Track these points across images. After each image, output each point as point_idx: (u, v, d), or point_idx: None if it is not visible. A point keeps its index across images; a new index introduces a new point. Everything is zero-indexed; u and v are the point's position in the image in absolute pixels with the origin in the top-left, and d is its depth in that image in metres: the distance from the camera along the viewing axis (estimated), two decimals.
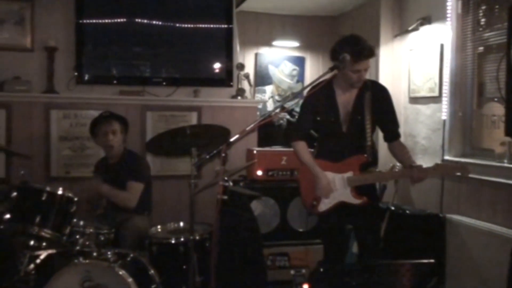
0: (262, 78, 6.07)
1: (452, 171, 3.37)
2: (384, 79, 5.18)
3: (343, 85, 3.45)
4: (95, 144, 4.51)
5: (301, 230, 4.71)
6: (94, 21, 4.77)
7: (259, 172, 4.72)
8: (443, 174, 3.37)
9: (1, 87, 4.56)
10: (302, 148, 3.59)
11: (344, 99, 3.48)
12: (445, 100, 4.51)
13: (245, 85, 5.20)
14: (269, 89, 6.10)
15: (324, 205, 3.49)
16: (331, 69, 3.21)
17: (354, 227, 3.68)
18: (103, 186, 3.90)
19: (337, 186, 3.46)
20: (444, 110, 4.52)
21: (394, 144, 3.58)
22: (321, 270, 2.09)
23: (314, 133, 3.75)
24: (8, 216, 3.21)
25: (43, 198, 3.23)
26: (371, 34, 5.31)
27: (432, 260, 2.32)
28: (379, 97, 3.48)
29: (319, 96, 3.42)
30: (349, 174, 3.44)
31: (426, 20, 4.78)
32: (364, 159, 3.43)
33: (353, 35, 3.41)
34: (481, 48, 4.34)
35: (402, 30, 5.16)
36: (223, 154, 2.95)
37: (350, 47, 3.27)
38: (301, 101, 5.09)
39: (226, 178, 3.08)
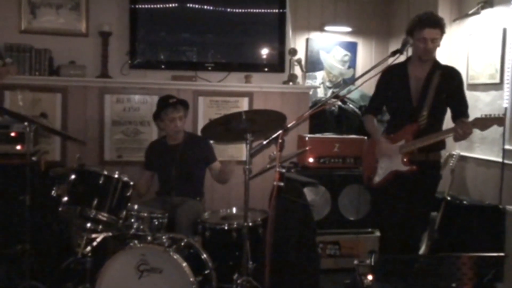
0: (313, 64, 5.96)
1: (490, 123, 3.38)
2: None
3: (415, 61, 3.62)
4: (148, 129, 4.56)
5: (352, 218, 4.66)
6: (147, 6, 4.79)
7: (311, 159, 4.68)
8: (481, 128, 3.45)
9: (57, 71, 4.64)
10: (367, 119, 3.85)
11: (416, 74, 3.62)
12: (507, 87, 4.33)
13: (296, 70, 5.13)
14: (320, 75, 5.99)
15: (378, 177, 3.70)
16: (393, 53, 3.19)
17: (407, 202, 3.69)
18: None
19: (391, 156, 3.61)
20: (506, 97, 4.34)
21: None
22: (385, 260, 2.03)
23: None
24: (66, 198, 3.24)
25: (100, 181, 3.24)
26: None
27: (502, 254, 2.22)
28: (448, 77, 3.59)
29: (393, 72, 3.63)
30: (402, 142, 3.58)
31: (488, 3, 4.58)
32: (415, 126, 3.55)
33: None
34: None
35: (461, 14, 4.97)
36: (280, 140, 2.90)
37: (418, 16, 3.52)
38: (353, 88, 5.05)
39: (279, 164, 3.04)
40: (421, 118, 3.54)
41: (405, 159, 3.56)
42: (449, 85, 3.59)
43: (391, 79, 3.70)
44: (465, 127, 3.36)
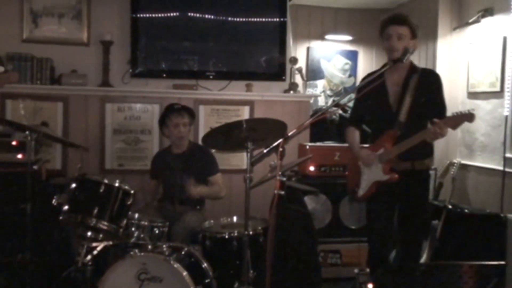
0: (313, 73, 5.98)
1: (460, 120, 3.23)
2: (441, 74, 4.95)
3: (391, 67, 3.41)
4: (149, 137, 4.55)
5: (353, 227, 4.65)
6: (148, 15, 4.81)
7: (312, 168, 4.67)
8: (453, 126, 3.29)
9: (58, 80, 4.65)
10: (348, 132, 3.69)
11: (393, 80, 3.48)
12: (508, 95, 4.33)
13: (297, 79, 5.14)
14: (320, 83, 6.01)
15: (362, 190, 3.55)
16: (394, 62, 3.20)
17: (399, 214, 3.57)
18: (200, 190, 3.98)
19: (372, 166, 3.47)
20: (506, 105, 4.34)
21: None
22: (386, 269, 2.02)
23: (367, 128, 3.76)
24: (66, 207, 3.25)
25: (101, 190, 3.26)
26: (429, 27, 5.16)
27: (503, 262, 2.21)
28: (426, 80, 3.45)
29: (371, 82, 3.40)
30: (381, 151, 3.44)
31: (488, 12, 4.60)
32: (393, 133, 3.40)
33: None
34: None
35: (461, 23, 4.98)
36: (281, 149, 2.89)
37: (384, 17, 3.46)
38: (353, 96, 5.05)
39: (280, 173, 3.03)
40: (399, 124, 3.40)
41: (385, 169, 3.41)
42: (427, 88, 3.45)
43: (370, 89, 3.42)
44: (437, 126, 3.20)
